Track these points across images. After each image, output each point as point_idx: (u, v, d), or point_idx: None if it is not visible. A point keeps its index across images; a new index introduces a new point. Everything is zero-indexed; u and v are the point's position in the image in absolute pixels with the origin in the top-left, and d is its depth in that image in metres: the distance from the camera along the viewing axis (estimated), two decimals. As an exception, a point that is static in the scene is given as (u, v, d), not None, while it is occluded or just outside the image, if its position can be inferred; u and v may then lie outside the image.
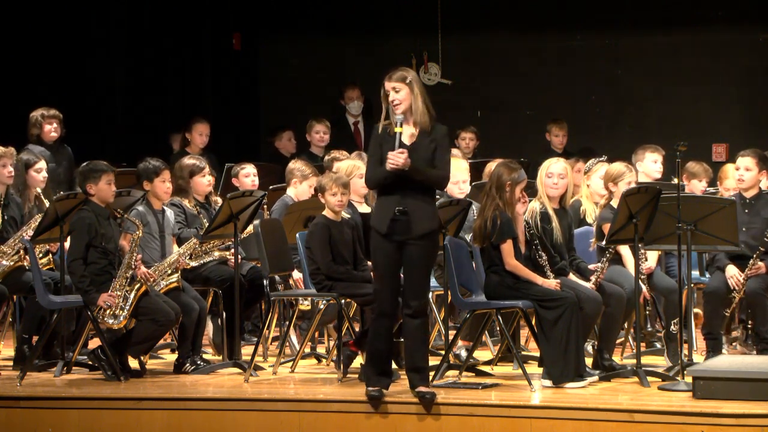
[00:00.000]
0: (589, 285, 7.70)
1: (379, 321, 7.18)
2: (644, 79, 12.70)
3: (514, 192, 7.62)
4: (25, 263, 8.32)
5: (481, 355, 8.46)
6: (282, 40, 13.38)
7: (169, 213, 8.55)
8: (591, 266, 7.87)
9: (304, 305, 8.28)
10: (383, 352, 7.21)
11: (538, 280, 7.56)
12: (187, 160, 8.94)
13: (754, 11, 12.43)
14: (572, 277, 7.79)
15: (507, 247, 7.58)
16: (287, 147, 11.68)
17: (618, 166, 8.26)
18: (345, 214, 8.05)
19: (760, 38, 12.63)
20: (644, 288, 7.97)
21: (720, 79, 12.58)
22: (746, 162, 8.31)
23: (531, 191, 8.02)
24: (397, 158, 7.00)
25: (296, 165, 9.33)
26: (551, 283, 7.55)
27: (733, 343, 8.47)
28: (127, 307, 7.86)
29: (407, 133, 7.12)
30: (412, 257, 7.11)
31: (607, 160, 8.61)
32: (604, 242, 7.81)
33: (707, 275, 8.53)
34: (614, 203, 7.97)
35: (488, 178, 8.02)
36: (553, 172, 7.87)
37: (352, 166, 8.45)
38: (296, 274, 8.48)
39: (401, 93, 7.11)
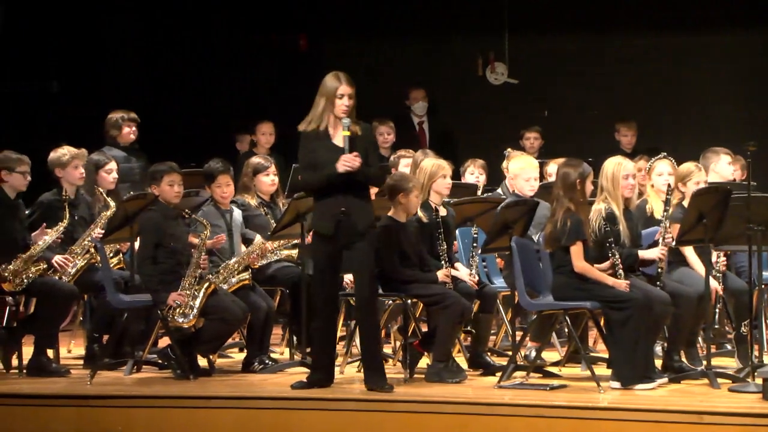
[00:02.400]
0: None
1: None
2: (708, 79, 12.57)
3: (585, 187, 7.58)
4: (96, 262, 8.43)
5: (549, 356, 8.43)
6: (347, 40, 13.40)
7: (237, 212, 8.61)
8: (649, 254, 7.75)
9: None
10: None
11: (609, 280, 7.51)
12: (255, 159, 9.05)
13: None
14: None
15: (576, 249, 7.53)
16: None
17: (688, 166, 8.17)
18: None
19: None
20: (718, 286, 7.87)
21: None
22: None
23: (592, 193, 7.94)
24: (353, 161, 7.23)
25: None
26: (621, 283, 7.49)
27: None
28: (197, 306, 7.93)
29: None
30: (359, 255, 7.31)
31: (665, 157, 8.50)
32: (674, 243, 7.73)
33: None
34: (685, 203, 7.89)
35: (552, 178, 7.98)
36: (628, 172, 7.78)
37: (436, 165, 8.27)
38: None
39: (353, 99, 7.31)
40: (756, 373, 7.21)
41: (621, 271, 7.54)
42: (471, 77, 12.99)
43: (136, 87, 12.62)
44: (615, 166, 7.76)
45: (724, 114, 12.39)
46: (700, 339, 8.18)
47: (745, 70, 12.43)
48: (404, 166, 9.25)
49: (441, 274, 7.83)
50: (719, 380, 7.40)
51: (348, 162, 7.24)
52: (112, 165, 9.04)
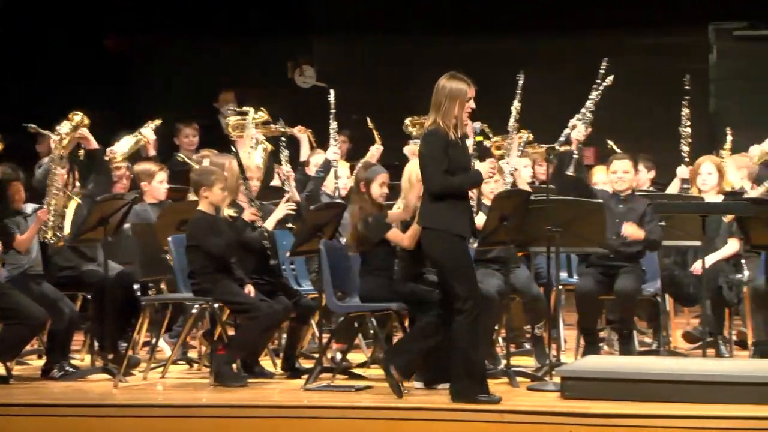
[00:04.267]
0: None
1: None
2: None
3: (370, 189, 7.68)
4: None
5: (357, 358, 8.48)
6: (155, 41, 13.25)
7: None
8: None
9: None
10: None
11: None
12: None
13: None
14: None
15: (393, 236, 7.61)
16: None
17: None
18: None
19: None
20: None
21: None
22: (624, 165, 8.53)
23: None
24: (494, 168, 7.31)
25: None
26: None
27: (602, 344, 8.63)
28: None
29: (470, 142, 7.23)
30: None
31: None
32: (476, 244, 7.89)
33: (575, 276, 8.72)
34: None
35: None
36: None
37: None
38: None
39: None
40: (554, 372, 7.41)
41: None
42: (281, 80, 13.02)
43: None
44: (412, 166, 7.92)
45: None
46: (499, 339, 8.39)
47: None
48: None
49: (247, 288, 7.82)
50: (519, 379, 7.57)
51: (493, 170, 7.27)
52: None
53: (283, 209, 8.18)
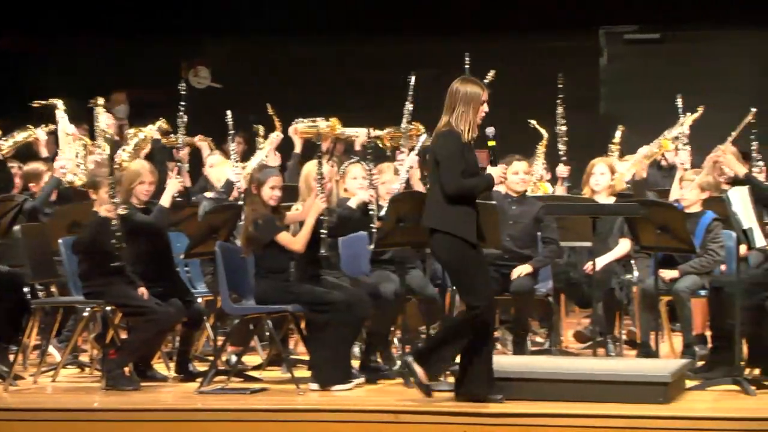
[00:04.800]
0: None
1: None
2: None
3: (261, 191, 7.67)
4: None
5: (252, 360, 8.45)
6: (46, 41, 13.05)
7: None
8: None
9: None
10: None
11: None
12: None
13: None
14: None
15: (283, 239, 7.59)
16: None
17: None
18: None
19: None
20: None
21: None
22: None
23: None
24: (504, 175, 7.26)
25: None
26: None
27: (496, 343, 8.71)
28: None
29: None
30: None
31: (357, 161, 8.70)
32: (373, 246, 7.92)
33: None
34: None
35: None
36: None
37: (135, 171, 8.06)
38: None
39: None
40: (448, 372, 7.46)
41: None
42: (175, 81, 12.89)
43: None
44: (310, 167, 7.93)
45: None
46: (395, 339, 8.42)
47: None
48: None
49: (140, 290, 7.74)
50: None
51: (504, 175, 7.22)
52: None
53: (175, 183, 8.09)
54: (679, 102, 9.95)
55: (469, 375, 7.02)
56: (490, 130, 7.06)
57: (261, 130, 10.23)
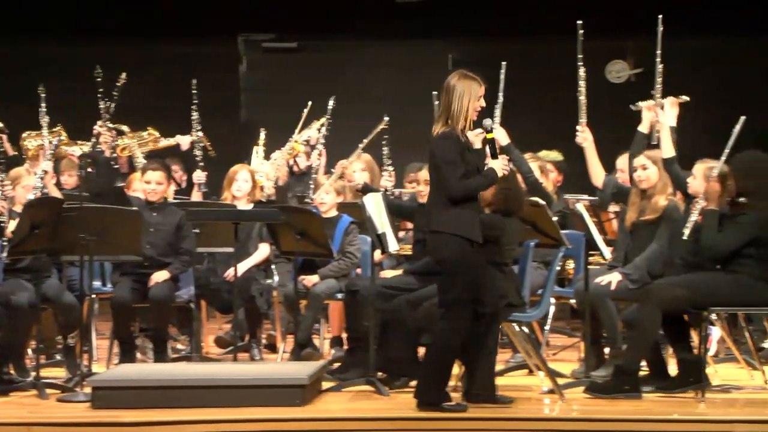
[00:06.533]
0: None
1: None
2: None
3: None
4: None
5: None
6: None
7: None
8: None
9: None
10: None
11: None
12: None
13: None
14: None
15: None
16: None
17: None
18: None
19: None
20: None
21: None
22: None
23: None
24: (507, 165, 7.13)
25: None
26: None
27: (137, 352, 8.61)
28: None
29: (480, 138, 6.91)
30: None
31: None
32: (5, 254, 7.66)
33: (109, 285, 8.67)
34: None
35: None
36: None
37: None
38: None
39: None
40: (85, 382, 7.31)
41: None
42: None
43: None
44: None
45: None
46: (29, 350, 8.17)
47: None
48: None
49: None
50: (48, 391, 7.41)
51: (507, 166, 7.02)
52: None
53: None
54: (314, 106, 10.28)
55: (476, 377, 7.02)
56: (487, 122, 6.93)
57: None
